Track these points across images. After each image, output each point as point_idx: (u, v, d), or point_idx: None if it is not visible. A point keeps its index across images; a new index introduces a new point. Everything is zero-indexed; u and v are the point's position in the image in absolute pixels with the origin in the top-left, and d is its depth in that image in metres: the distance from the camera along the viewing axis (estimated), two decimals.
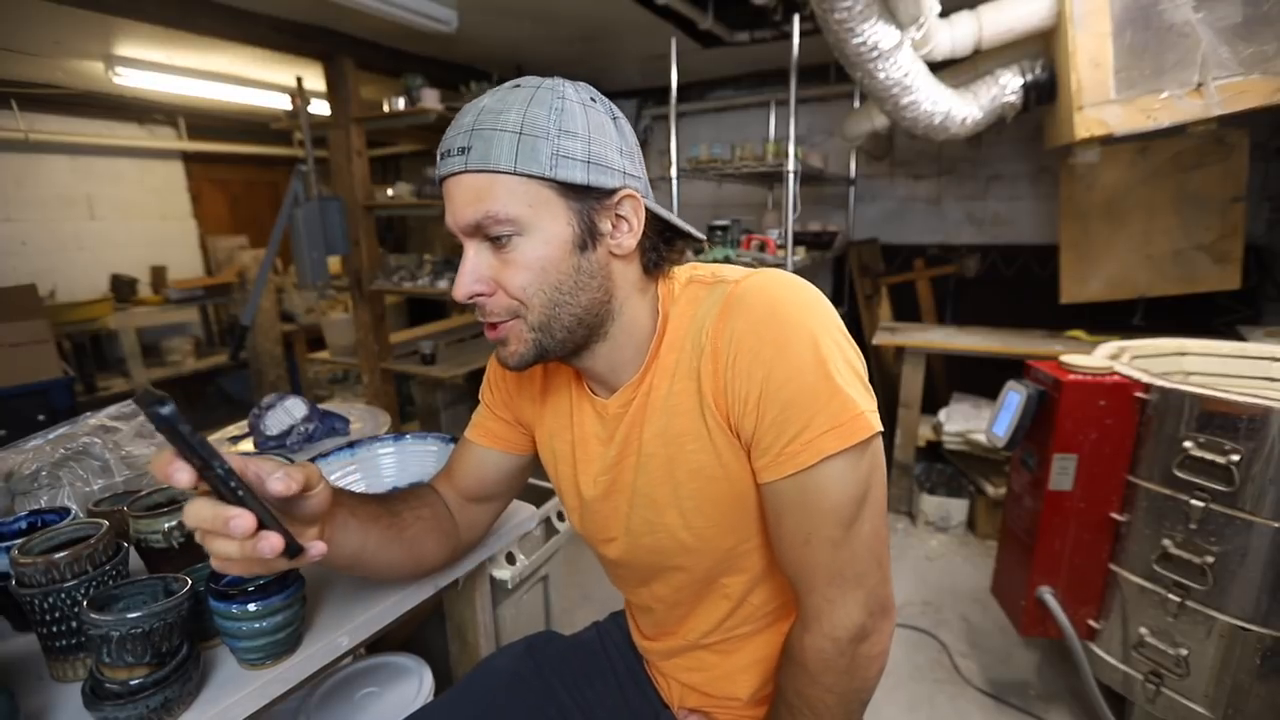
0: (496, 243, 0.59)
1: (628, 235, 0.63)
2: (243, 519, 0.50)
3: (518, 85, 0.60)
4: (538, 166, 0.57)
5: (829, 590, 0.61)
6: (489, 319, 0.63)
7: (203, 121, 4.37)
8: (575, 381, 0.76)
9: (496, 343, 0.65)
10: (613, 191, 0.61)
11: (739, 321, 0.61)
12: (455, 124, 0.60)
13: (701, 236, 0.72)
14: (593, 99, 0.61)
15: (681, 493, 0.67)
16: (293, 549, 0.54)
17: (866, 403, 0.59)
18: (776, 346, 0.58)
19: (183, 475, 0.48)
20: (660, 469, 0.68)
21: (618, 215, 0.62)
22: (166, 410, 0.44)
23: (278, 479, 0.54)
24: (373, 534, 0.69)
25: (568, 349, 0.65)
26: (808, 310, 0.60)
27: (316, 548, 0.56)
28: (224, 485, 0.49)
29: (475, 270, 0.60)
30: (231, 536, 0.50)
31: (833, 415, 0.57)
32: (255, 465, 0.56)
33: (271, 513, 0.53)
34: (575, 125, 0.58)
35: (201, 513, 0.51)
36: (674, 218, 0.68)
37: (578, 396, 0.75)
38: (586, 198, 0.60)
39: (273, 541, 0.51)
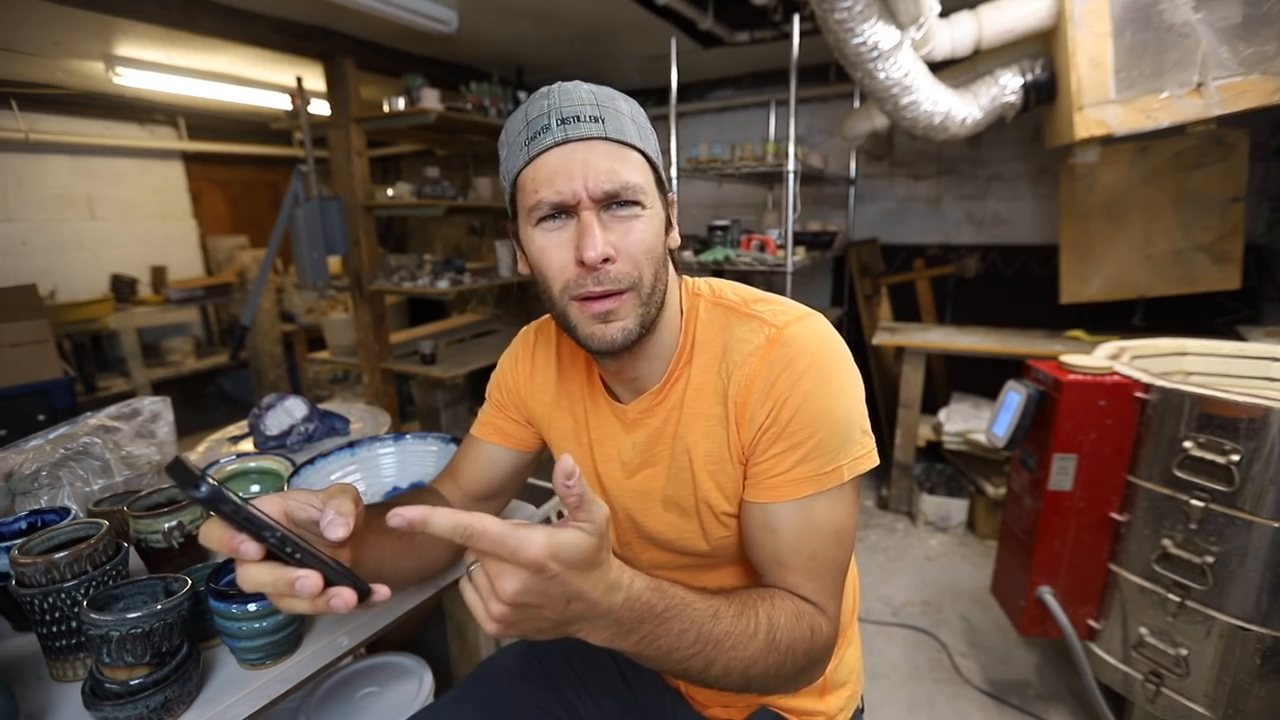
0: (617, 214, 0.61)
1: (675, 231, 0.69)
2: (308, 580, 0.47)
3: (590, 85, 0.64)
4: (651, 152, 0.64)
5: (831, 605, 0.65)
6: (610, 286, 0.61)
7: (203, 121, 4.36)
8: (589, 385, 0.77)
9: (600, 317, 0.62)
10: (666, 190, 0.67)
11: (785, 371, 0.63)
12: (564, 99, 0.61)
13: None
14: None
15: (701, 507, 0.70)
16: (361, 592, 0.50)
17: (871, 444, 0.66)
18: (822, 399, 0.63)
19: (250, 548, 0.46)
20: (687, 481, 0.70)
21: (670, 213, 0.67)
22: (204, 491, 0.41)
23: (336, 526, 0.51)
24: (388, 546, 0.69)
25: (648, 331, 0.65)
26: (844, 369, 0.65)
27: (381, 591, 0.52)
28: (280, 550, 0.47)
29: (604, 235, 0.60)
30: (300, 597, 0.48)
31: (854, 464, 0.64)
32: (297, 502, 0.54)
33: (331, 562, 0.50)
34: (650, 126, 0.65)
35: (260, 578, 0.48)
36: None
37: (593, 400, 0.76)
38: (663, 190, 0.66)
39: (346, 597, 0.48)
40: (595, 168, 0.59)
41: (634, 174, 0.60)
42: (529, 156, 0.60)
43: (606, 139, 0.60)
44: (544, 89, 0.63)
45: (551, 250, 0.61)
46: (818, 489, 0.63)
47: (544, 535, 0.44)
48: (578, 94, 0.61)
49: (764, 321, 0.67)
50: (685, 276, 0.75)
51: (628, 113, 0.62)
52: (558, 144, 0.59)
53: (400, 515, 0.43)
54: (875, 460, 0.65)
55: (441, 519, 0.43)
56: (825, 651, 0.63)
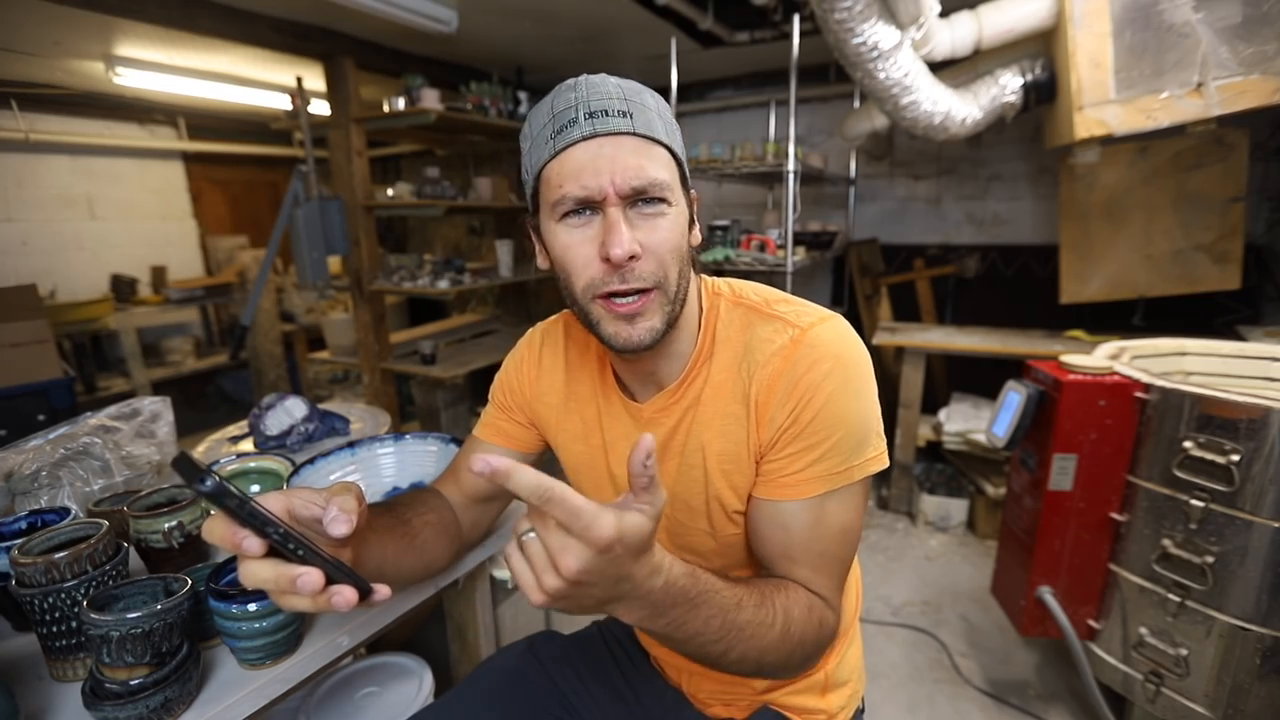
0: (643, 211, 0.60)
1: (696, 228, 0.68)
2: (309, 577, 0.47)
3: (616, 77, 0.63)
4: (678, 147, 0.63)
5: (835, 599, 0.67)
6: (636, 284, 0.60)
7: (203, 121, 4.36)
8: (601, 384, 0.76)
9: (625, 319, 0.61)
10: (689, 187, 0.67)
11: (808, 372, 0.64)
12: (591, 91, 0.60)
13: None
14: None
15: (712, 505, 0.70)
16: (363, 591, 0.51)
17: (883, 446, 0.67)
18: (843, 401, 0.63)
19: (253, 544, 0.46)
20: (699, 479, 0.70)
21: (692, 210, 0.67)
22: (209, 485, 0.41)
23: (339, 523, 0.51)
24: (390, 546, 0.69)
25: (671, 328, 0.65)
26: (865, 372, 0.66)
27: (382, 591, 0.52)
28: (283, 547, 0.47)
29: (630, 232, 0.59)
30: (301, 594, 0.48)
31: (865, 465, 0.65)
32: (300, 499, 0.54)
33: (333, 560, 0.50)
34: (675, 122, 0.65)
35: (262, 574, 0.48)
36: None
37: (606, 399, 0.76)
38: (686, 187, 0.66)
39: (348, 595, 0.49)
40: (623, 164, 0.58)
41: (661, 170, 0.60)
42: (555, 150, 0.59)
43: (635, 134, 0.59)
44: (570, 80, 0.62)
45: (576, 247, 0.61)
46: (830, 488, 0.64)
47: (614, 516, 0.43)
48: (605, 87, 0.60)
49: (787, 322, 0.66)
50: (704, 276, 0.74)
51: (654, 108, 0.62)
52: (585, 138, 0.58)
53: (486, 462, 0.42)
54: (885, 462, 0.66)
55: (524, 476, 0.42)
56: (829, 642, 0.65)
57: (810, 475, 0.64)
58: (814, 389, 0.63)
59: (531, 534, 0.45)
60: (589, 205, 0.59)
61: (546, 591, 0.44)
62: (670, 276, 0.61)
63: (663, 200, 0.60)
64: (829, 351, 0.64)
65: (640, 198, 0.59)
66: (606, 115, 0.58)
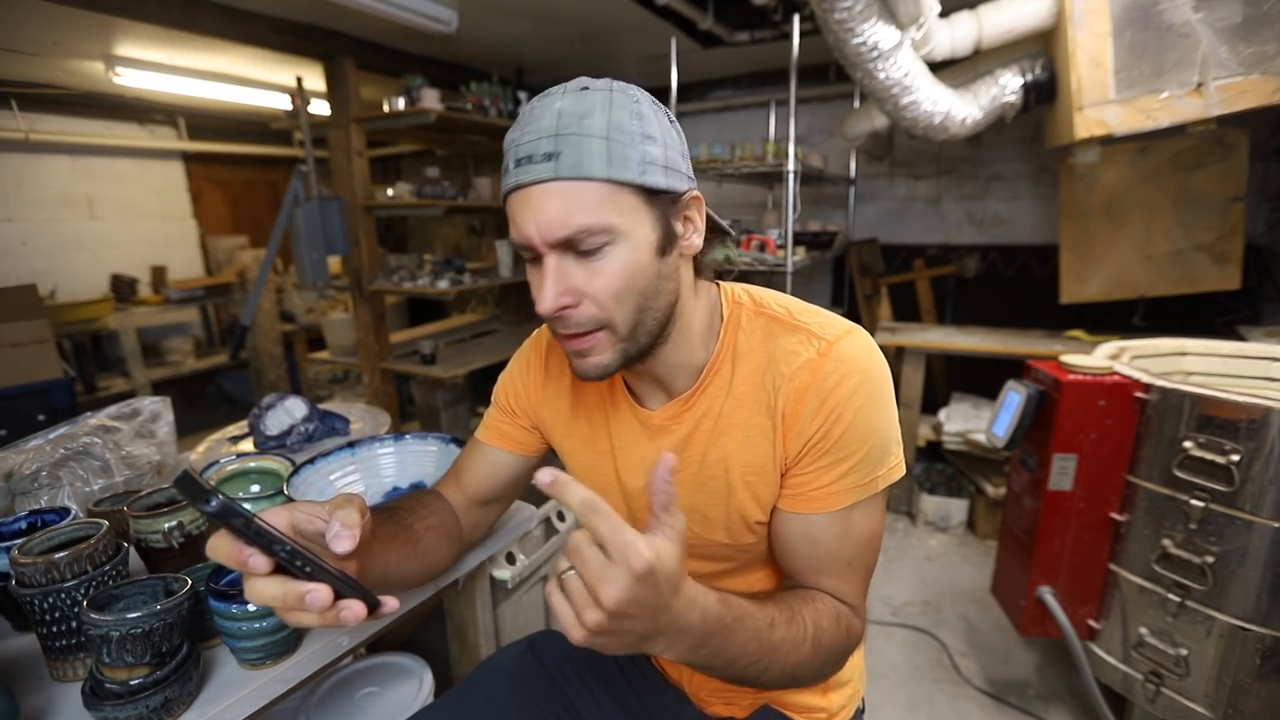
0: (584, 253, 0.58)
1: (695, 235, 0.65)
2: (318, 593, 0.47)
3: (586, 88, 0.58)
4: (628, 173, 0.56)
5: (861, 605, 0.69)
6: (573, 330, 0.60)
7: (203, 121, 4.36)
8: (610, 390, 0.76)
9: (575, 353, 0.62)
10: (683, 194, 0.62)
11: (837, 387, 0.63)
12: (527, 127, 0.57)
13: (731, 231, 0.74)
14: (654, 102, 0.62)
15: (732, 517, 0.70)
16: (370, 605, 0.51)
17: (901, 453, 0.68)
18: (870, 415, 0.64)
19: (259, 562, 0.46)
20: (719, 490, 0.70)
21: (685, 216, 0.64)
22: (214, 506, 0.40)
23: (342, 539, 0.51)
24: (393, 553, 0.68)
25: (645, 354, 0.65)
26: (889, 385, 0.67)
27: (389, 604, 0.52)
28: (290, 564, 0.46)
29: (560, 281, 0.58)
30: (310, 611, 0.48)
31: (888, 474, 0.66)
32: (304, 513, 0.54)
33: (340, 575, 0.50)
34: (652, 129, 0.58)
35: (269, 591, 0.47)
36: (714, 215, 0.70)
37: (614, 404, 0.75)
38: (664, 201, 0.60)
39: (356, 610, 0.49)
40: (547, 216, 0.56)
41: (590, 215, 0.55)
42: (504, 192, 0.60)
43: (559, 179, 0.55)
44: (528, 106, 0.60)
45: (534, 286, 0.60)
46: (857, 499, 0.65)
47: (646, 540, 0.44)
48: (542, 121, 0.56)
49: (812, 334, 0.66)
50: (723, 284, 0.73)
51: (601, 131, 0.55)
52: (515, 189, 0.58)
53: (553, 473, 0.44)
54: (903, 469, 0.67)
55: (576, 488, 0.44)
56: (856, 647, 0.67)
57: (839, 488, 0.64)
58: (843, 404, 0.63)
59: (572, 572, 0.46)
60: (530, 249, 0.59)
61: (588, 626, 0.44)
62: (616, 318, 0.60)
63: (600, 245, 0.57)
64: (856, 366, 0.64)
65: (576, 247, 0.57)
66: (531, 161, 0.56)
